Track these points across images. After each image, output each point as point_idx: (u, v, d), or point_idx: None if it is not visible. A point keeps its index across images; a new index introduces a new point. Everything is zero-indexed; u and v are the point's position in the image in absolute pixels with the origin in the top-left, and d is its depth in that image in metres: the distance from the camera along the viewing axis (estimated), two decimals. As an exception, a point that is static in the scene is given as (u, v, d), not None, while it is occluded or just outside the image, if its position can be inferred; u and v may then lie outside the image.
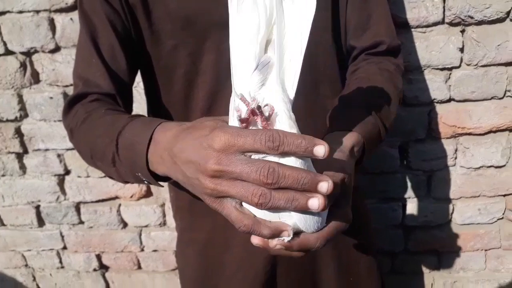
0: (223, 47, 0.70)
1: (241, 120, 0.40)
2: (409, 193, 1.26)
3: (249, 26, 0.41)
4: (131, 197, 1.36)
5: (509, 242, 1.27)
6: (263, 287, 0.81)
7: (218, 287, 0.84)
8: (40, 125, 1.27)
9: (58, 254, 1.50)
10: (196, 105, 0.75)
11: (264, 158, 0.40)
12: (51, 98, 1.23)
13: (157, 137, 0.54)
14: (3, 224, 1.46)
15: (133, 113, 0.71)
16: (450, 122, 1.14)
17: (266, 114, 0.40)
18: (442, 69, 1.09)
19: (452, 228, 1.28)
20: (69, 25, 1.13)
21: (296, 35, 0.41)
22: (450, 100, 1.12)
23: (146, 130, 0.55)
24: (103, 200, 1.38)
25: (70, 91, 1.22)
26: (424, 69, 1.09)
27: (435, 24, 1.05)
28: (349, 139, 0.57)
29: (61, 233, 1.45)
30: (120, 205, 1.38)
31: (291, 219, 0.42)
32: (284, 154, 0.40)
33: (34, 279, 1.57)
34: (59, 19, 1.13)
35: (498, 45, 1.04)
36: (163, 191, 1.35)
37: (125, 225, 1.41)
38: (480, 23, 1.03)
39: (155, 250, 1.45)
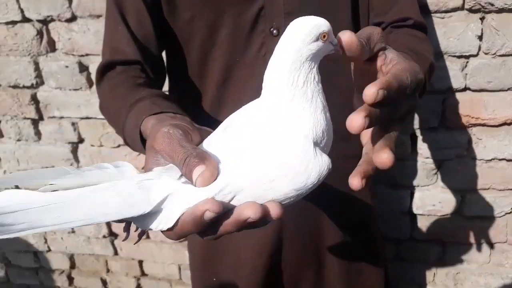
0: (239, 20, 0.70)
1: None
2: (418, 181, 1.24)
3: None
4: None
5: (517, 237, 1.26)
6: (270, 254, 0.83)
7: (226, 253, 0.86)
8: (55, 93, 1.30)
9: (69, 219, 1.54)
10: (212, 79, 0.76)
11: None
12: (66, 67, 1.24)
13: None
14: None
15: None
16: (464, 111, 1.12)
17: None
18: (459, 57, 1.06)
19: (459, 219, 1.26)
20: (86, -5, 1.13)
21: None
22: (465, 89, 1.09)
23: (135, 129, 0.58)
24: (114, 170, 1.41)
25: (85, 60, 1.24)
26: (441, 56, 1.06)
27: (455, 9, 1.01)
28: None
29: (73, 200, 1.49)
30: (130, 175, 1.41)
31: None
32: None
33: (46, 241, 1.62)
34: (76, -12, 1.13)
35: (519, 34, 1.00)
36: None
37: (134, 195, 1.44)
38: (500, 11, 0.99)
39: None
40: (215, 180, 0.39)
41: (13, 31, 1.21)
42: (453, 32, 1.03)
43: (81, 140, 1.38)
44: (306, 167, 0.39)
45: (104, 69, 0.73)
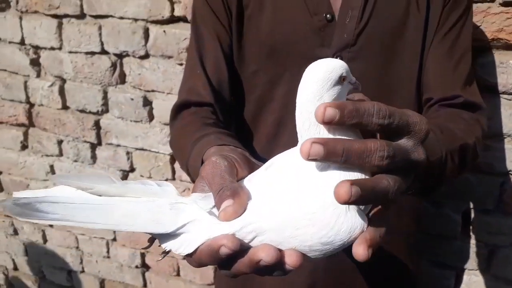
0: (298, 78, 0.72)
1: None
2: (466, 264, 1.17)
3: None
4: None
5: None
6: None
7: None
8: (117, 121, 1.36)
9: (107, 244, 1.58)
10: (264, 130, 0.78)
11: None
12: (132, 99, 1.31)
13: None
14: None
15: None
16: (524, 198, 1.06)
17: None
18: (522, 141, 1.02)
19: (508, 312, 1.17)
20: (161, 37, 1.21)
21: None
22: (527, 175, 1.04)
23: (198, 158, 0.60)
24: (158, 203, 1.43)
25: (150, 96, 1.30)
26: (505, 138, 1.03)
27: (524, 93, 0.99)
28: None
29: (114, 225, 1.53)
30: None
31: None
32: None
33: (81, 262, 1.65)
34: (153, 29, 1.21)
35: None
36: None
37: (173, 231, 1.45)
38: None
39: (196, 262, 1.47)
40: (238, 216, 0.39)
41: (91, 61, 1.31)
42: (519, 116, 1.00)
43: (132, 169, 1.42)
44: (336, 221, 0.37)
45: (179, 108, 0.77)
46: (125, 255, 1.56)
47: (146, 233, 0.41)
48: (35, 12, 1.30)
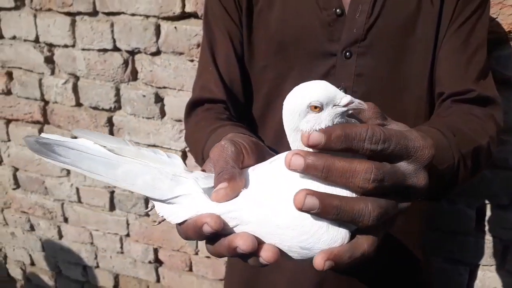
0: (308, 75, 0.72)
1: None
2: (480, 259, 1.16)
3: None
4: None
5: None
6: None
7: None
8: (129, 118, 1.38)
9: (121, 239, 1.60)
10: (272, 127, 0.78)
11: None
12: (144, 96, 1.32)
13: None
14: (80, 201, 1.59)
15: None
16: (540, 193, 1.04)
17: None
18: (539, 135, 1.00)
19: (524, 309, 1.16)
20: (172, 33, 1.21)
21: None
22: (544, 170, 1.03)
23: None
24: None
25: (162, 92, 1.31)
26: (520, 132, 1.01)
27: (540, 86, 0.97)
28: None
29: (127, 221, 1.55)
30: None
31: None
32: None
33: (96, 258, 1.68)
34: (164, 26, 1.22)
35: None
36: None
37: (185, 226, 1.46)
38: None
39: (208, 257, 1.48)
40: (229, 200, 0.40)
41: (103, 58, 1.32)
42: (535, 109, 0.98)
43: (144, 166, 1.43)
44: (316, 231, 0.38)
45: (193, 105, 0.78)
46: (139, 250, 1.58)
47: (143, 195, 0.43)
48: (49, 10, 1.32)
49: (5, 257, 1.90)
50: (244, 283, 0.88)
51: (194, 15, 1.19)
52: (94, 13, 1.28)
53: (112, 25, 1.27)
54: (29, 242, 1.79)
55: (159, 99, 1.32)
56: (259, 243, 0.39)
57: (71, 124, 1.46)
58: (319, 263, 0.37)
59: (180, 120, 1.31)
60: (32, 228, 1.75)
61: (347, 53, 0.70)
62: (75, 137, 0.44)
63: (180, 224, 0.42)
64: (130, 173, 0.42)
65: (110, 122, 1.41)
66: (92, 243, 1.66)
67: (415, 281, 0.85)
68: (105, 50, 1.31)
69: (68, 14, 1.31)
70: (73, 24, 1.31)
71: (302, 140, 0.38)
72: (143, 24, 1.23)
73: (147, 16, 1.23)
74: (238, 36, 0.76)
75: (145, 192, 0.42)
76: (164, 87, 1.30)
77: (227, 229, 0.40)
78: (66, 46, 1.35)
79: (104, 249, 1.65)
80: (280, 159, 0.43)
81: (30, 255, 1.83)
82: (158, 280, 1.62)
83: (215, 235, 0.40)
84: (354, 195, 0.38)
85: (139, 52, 1.28)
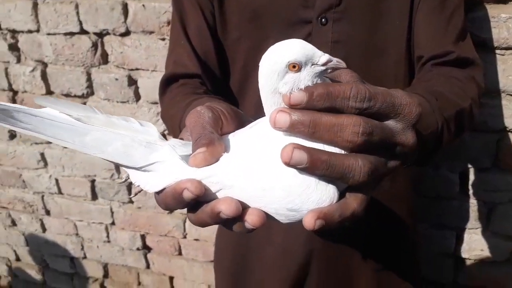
0: None
1: None
2: (466, 223, 1.17)
3: None
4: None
5: None
6: (297, 279, 0.81)
7: (249, 282, 0.85)
8: (103, 103, 1.33)
9: (106, 228, 1.57)
10: (250, 100, 0.76)
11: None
12: (116, 79, 1.28)
13: None
14: (61, 193, 1.55)
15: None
16: (521, 153, 1.04)
17: None
18: (518, 96, 0.99)
19: (510, 268, 1.17)
20: (141, 11, 1.16)
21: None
22: (524, 129, 1.02)
23: None
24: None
25: (135, 75, 1.26)
26: (498, 94, 1.00)
27: (517, 46, 0.95)
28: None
29: (111, 209, 1.52)
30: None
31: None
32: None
33: (82, 248, 1.65)
34: (132, 4, 1.17)
35: None
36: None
37: (171, 210, 1.44)
38: None
39: (196, 239, 1.47)
40: (207, 165, 0.37)
41: (71, 42, 1.26)
42: (513, 70, 0.97)
43: (124, 152, 1.40)
44: (303, 190, 0.36)
45: (167, 82, 0.75)
46: (125, 238, 1.56)
47: (115, 163, 0.40)
48: (9, -6, 1.26)
49: (-11, 254, 1.87)
50: (234, 260, 0.87)
51: (162, -9, 1.14)
52: (56, -5, 1.22)
53: (76, 6, 1.21)
54: (12, 237, 1.75)
55: (132, 82, 1.27)
56: (244, 208, 0.37)
57: (44, 114, 1.41)
58: (309, 222, 0.35)
59: (156, 103, 1.27)
60: (13, 223, 1.71)
61: (323, 20, 0.68)
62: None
63: (158, 193, 0.39)
64: (100, 141, 0.39)
65: (84, 109, 1.36)
66: (77, 234, 1.63)
67: (403, 246, 0.85)
68: (71, 34, 1.25)
69: (29, -3, 1.24)
70: (35, 7, 1.24)
71: (284, 100, 0.36)
72: (109, 3, 1.18)
73: (113, -5, 1.17)
74: (209, 7, 0.73)
75: (116, 159, 0.39)
76: (137, 69, 1.25)
77: (209, 195, 0.38)
78: (30, 31, 1.29)
79: (90, 239, 1.62)
80: (261, 122, 0.41)
81: (14, 251, 1.79)
82: (148, 266, 1.61)
83: (196, 202, 0.38)
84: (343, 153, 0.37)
85: (108, 33, 1.23)
